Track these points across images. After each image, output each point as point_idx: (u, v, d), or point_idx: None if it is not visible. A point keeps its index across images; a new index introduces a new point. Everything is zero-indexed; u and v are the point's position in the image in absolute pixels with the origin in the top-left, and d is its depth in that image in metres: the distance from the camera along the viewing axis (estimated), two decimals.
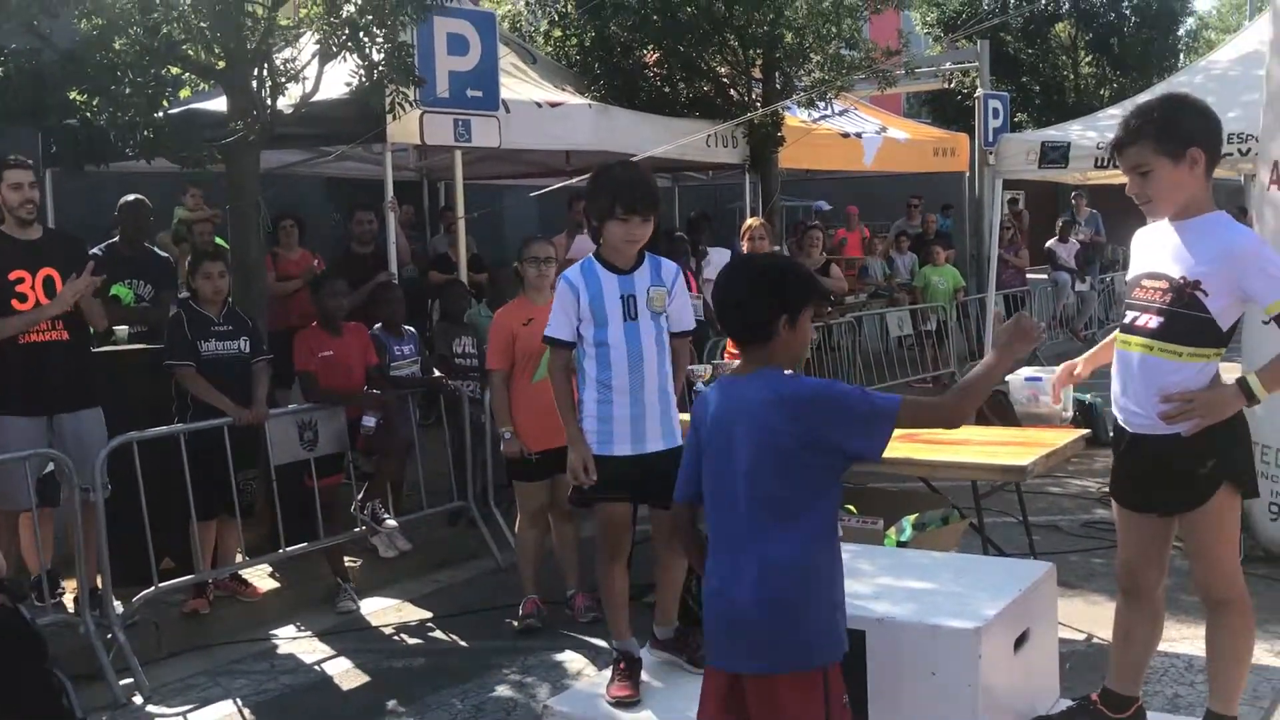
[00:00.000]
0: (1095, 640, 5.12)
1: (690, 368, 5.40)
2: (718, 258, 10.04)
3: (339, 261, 8.68)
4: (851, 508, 5.38)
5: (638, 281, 4.27)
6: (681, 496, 3.12)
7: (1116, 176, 11.52)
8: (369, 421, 6.23)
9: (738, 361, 3.08)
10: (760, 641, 2.77)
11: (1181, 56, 24.84)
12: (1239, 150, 8.61)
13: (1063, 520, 7.05)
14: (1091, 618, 5.34)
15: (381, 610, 6.08)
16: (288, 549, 6.06)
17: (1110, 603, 5.53)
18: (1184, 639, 4.94)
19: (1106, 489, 7.64)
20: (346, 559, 6.47)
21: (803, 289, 2.93)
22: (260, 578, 6.52)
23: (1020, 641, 3.41)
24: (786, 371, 2.87)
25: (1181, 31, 25.46)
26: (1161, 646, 4.91)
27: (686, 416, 5.36)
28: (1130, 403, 3.50)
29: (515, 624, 5.63)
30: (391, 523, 6.48)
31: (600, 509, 4.30)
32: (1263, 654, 4.78)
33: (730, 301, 2.97)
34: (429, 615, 5.98)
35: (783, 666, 2.75)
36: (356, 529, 6.36)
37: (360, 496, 6.38)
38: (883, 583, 3.57)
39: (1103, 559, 6.27)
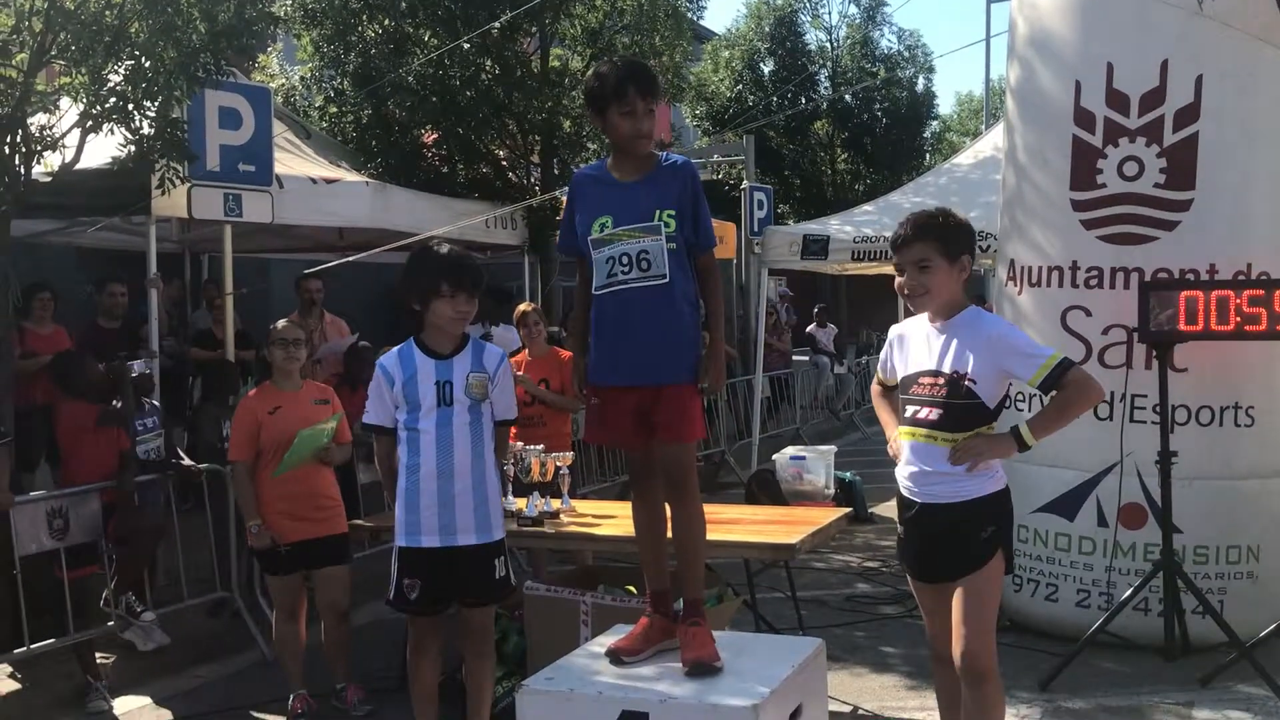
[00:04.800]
0: (861, 712, 5.34)
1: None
2: (503, 335, 9.95)
3: (84, 336, 8.22)
4: (631, 588, 5.45)
5: (456, 367, 4.22)
6: None
7: (872, 268, 12.24)
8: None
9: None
10: None
11: (927, 156, 26.77)
12: (980, 246, 9.38)
13: (827, 595, 7.34)
14: (856, 689, 5.58)
15: (137, 709, 5.72)
16: (32, 646, 5.63)
17: (873, 675, 5.83)
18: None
19: (868, 564, 8.09)
20: (99, 655, 6.05)
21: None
22: None
23: (795, 716, 3.53)
24: None
25: (927, 133, 27.49)
26: (921, 716, 5.20)
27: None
28: (919, 482, 3.88)
29: None
30: (149, 615, 6.12)
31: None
32: (1009, 718, 5.11)
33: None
34: (190, 714, 5.66)
35: None
36: (109, 623, 5.97)
37: (112, 586, 5.99)
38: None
39: (864, 632, 6.56)
